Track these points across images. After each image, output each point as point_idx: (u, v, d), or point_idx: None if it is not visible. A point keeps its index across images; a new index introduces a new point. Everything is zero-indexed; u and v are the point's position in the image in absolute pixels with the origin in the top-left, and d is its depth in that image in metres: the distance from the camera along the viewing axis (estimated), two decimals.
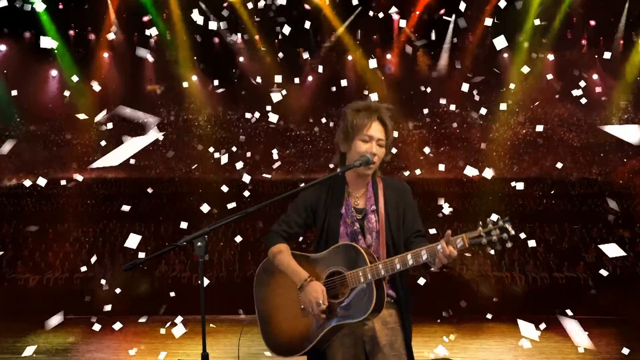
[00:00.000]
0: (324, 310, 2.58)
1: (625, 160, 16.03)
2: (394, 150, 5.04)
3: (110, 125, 10.21)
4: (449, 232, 2.48)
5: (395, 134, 6.23)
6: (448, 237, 2.46)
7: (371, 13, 9.27)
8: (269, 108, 6.71)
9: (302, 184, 2.77)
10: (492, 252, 11.33)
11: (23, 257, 12.24)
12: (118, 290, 9.03)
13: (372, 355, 2.67)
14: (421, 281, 6.70)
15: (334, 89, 11.05)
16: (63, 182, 11.70)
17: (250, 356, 7.01)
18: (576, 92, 8.20)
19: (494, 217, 2.51)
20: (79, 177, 11.44)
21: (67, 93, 13.04)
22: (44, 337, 8.69)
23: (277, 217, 2.88)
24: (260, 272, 2.83)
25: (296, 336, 2.66)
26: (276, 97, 6.71)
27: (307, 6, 14.96)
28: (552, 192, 15.23)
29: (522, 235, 7.31)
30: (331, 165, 2.84)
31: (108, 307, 7.16)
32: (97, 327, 7.10)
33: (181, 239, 2.44)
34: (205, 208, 6.54)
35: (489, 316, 8.19)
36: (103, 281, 9.67)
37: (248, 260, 12.00)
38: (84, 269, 9.79)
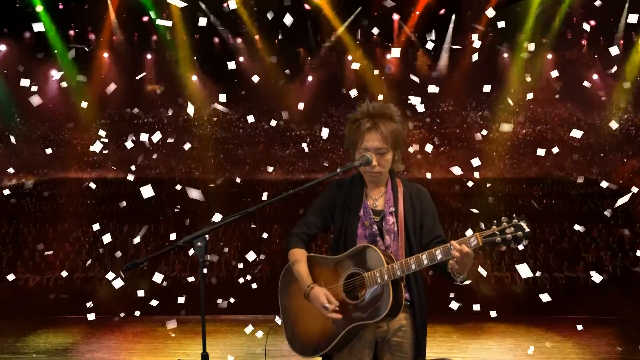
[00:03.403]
0: (336, 310, 2.59)
1: (625, 160, 16.03)
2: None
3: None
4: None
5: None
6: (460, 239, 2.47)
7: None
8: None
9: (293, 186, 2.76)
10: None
11: (23, 257, 12.23)
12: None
13: (380, 357, 2.70)
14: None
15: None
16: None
17: (250, 356, 7.01)
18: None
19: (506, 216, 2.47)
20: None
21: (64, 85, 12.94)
22: (44, 337, 8.69)
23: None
24: (284, 276, 2.86)
25: (319, 336, 2.68)
26: None
27: (307, 6, 14.96)
28: (553, 192, 15.22)
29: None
30: (339, 170, 2.82)
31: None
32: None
33: (181, 239, 2.44)
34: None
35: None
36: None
37: (248, 260, 11.98)
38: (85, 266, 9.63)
